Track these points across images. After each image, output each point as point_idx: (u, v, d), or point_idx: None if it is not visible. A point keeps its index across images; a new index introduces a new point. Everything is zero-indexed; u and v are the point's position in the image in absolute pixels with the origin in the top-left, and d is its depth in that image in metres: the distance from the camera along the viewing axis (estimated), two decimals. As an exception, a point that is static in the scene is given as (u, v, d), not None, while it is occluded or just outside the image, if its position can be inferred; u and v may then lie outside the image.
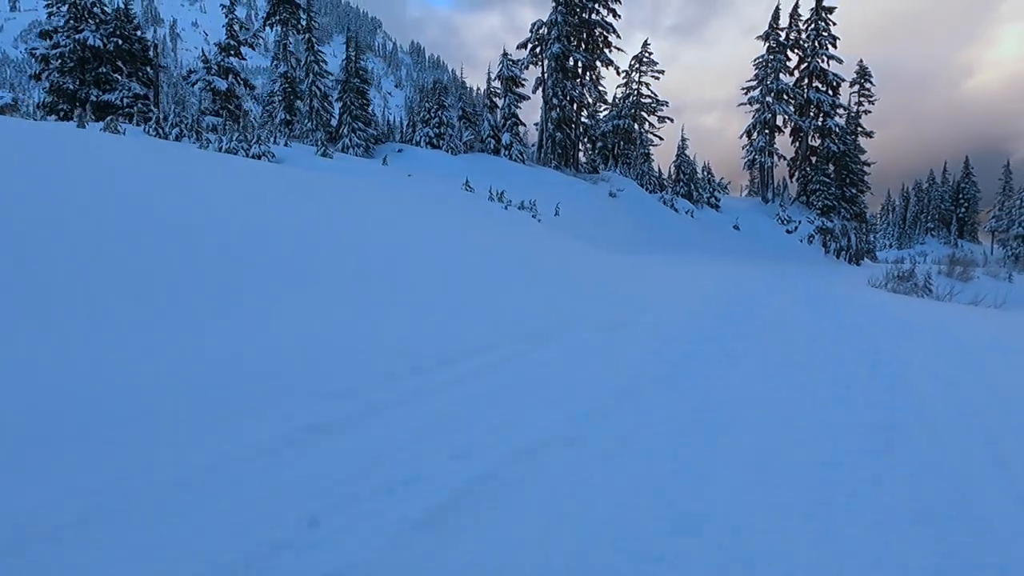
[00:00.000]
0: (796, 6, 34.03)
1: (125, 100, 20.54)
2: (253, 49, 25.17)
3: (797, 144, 35.10)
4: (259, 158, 15.69)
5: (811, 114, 34.35)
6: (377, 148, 24.47)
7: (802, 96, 34.37)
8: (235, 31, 23.25)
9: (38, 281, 3.74)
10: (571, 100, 27.90)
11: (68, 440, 2.49)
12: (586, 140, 29.78)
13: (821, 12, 33.62)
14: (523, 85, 26.65)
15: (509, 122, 25.87)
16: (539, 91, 28.30)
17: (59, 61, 19.91)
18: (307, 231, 6.66)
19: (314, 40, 24.09)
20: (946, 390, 4.74)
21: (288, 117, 24.64)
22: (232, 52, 23.24)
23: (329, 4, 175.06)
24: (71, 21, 20.03)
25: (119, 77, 20.92)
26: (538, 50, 27.68)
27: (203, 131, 18.05)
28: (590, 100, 28.89)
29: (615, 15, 28.45)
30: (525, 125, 27.51)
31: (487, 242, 10.16)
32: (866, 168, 34.89)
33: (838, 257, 31.66)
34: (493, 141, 26.15)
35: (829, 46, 33.60)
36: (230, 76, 23.30)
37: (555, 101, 26.93)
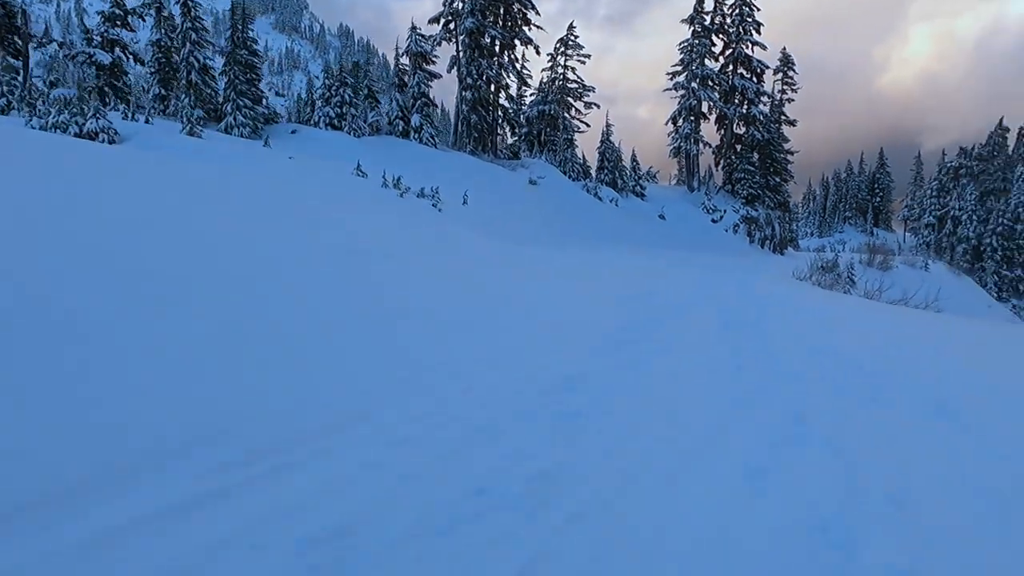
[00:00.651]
0: (721, -10, 33.25)
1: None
2: (143, 20, 22.06)
3: (722, 132, 34.46)
4: (95, 136, 13.03)
5: (736, 101, 33.74)
6: (268, 129, 21.80)
7: (727, 83, 33.69)
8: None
9: None
10: (488, 80, 25.96)
11: None
12: (505, 123, 27.92)
13: (745, -4, 32.97)
14: (434, 62, 24.50)
15: (419, 102, 23.68)
16: (454, 71, 26.21)
17: None
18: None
19: (192, 4, 21.11)
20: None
21: (163, 92, 21.64)
22: (118, 23, 20.14)
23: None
24: None
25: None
26: (451, 25, 25.57)
27: (35, 103, 15.13)
28: (509, 81, 27.06)
29: (534, -10, 26.70)
30: (437, 106, 25.36)
31: (365, 240, 8.16)
32: (789, 157, 34.65)
33: (763, 246, 31.20)
34: (401, 123, 23.93)
35: (753, 32, 32.99)
36: (116, 49, 20.19)
37: (469, 80, 24.93)
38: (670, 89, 33.54)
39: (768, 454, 3.18)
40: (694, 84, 32.85)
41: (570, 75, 35.33)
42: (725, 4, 33.25)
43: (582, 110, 35.25)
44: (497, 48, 26.39)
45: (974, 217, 45.42)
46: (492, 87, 26.44)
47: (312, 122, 23.59)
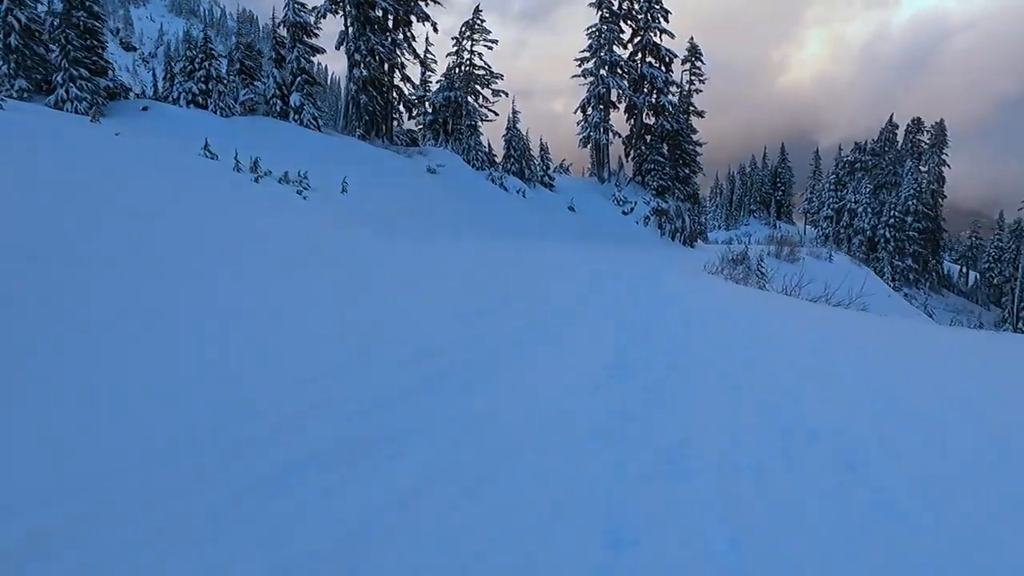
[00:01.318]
0: (629, -27, 32.18)
1: None
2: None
3: (632, 121, 33.53)
4: None
5: (645, 90, 32.87)
6: (114, 105, 18.49)
7: (636, 71, 32.76)
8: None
9: None
10: (380, 58, 23.52)
11: None
12: (401, 106, 25.56)
13: (653, -18, 32.07)
14: (316, 35, 21.79)
15: (299, 79, 20.95)
16: (343, 47, 23.58)
17: None
18: None
19: (11, -46, 17.45)
20: None
21: (-24, 58, 17.89)
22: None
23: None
24: None
25: None
26: (338, -5, 22.93)
27: None
28: (405, 60, 24.70)
29: (430, -42, 24.47)
30: (322, 85, 22.70)
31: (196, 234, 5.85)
32: (698, 148, 34.20)
33: (673, 239, 30.54)
34: (280, 103, 21.14)
35: (661, 19, 32.17)
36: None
37: (358, 57, 22.40)
38: (578, 76, 32.22)
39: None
40: (603, 71, 31.67)
41: (477, 61, 33.41)
42: (633, -11, 32.25)
43: (490, 98, 33.39)
44: (391, 23, 23.98)
45: (869, 210, 47.25)
46: (386, 66, 24.01)
47: (171, 98, 20.36)
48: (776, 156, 75.67)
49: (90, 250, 5.27)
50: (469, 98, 32.72)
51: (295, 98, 20.76)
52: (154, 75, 33.60)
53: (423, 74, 32.75)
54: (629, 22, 32.20)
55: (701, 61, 35.40)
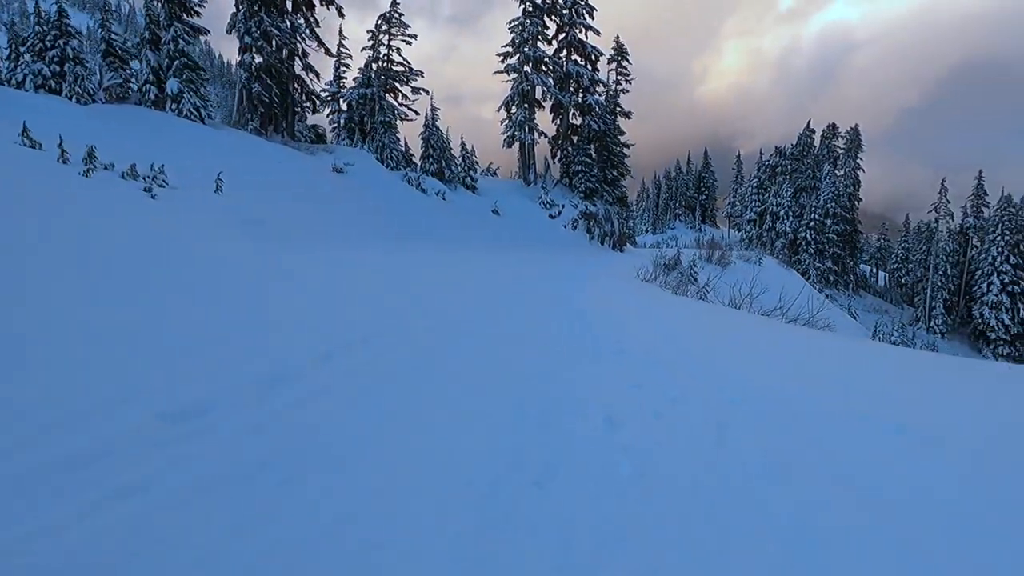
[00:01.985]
0: (552, -34, 30.79)
1: None
2: None
3: (558, 121, 32.14)
4: None
5: (571, 89, 31.54)
6: (-65, 87, 15.20)
7: (561, 69, 31.38)
8: None
9: None
10: (278, 44, 20.94)
11: None
12: (304, 99, 22.99)
13: (577, -24, 30.82)
14: (198, 14, 18.98)
15: (177, 63, 18.11)
16: (235, 31, 20.83)
17: None
18: None
19: None
20: None
21: None
22: None
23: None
24: None
25: None
26: (226, -30, 20.20)
27: None
28: (307, 48, 22.19)
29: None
30: (204, 70, 19.90)
31: None
32: (626, 150, 33.17)
33: (602, 243, 29.27)
34: (154, 89, 18.24)
35: (586, 15, 30.94)
36: None
37: (249, 40, 19.75)
38: (501, 72, 30.51)
39: None
40: (527, 68, 30.12)
41: (395, 56, 31.24)
42: (557, -17, 30.89)
43: (409, 96, 31.26)
44: (289, 5, 21.42)
45: (790, 213, 47.95)
46: (284, 53, 21.41)
47: (14, 81, 17.12)
48: (700, 161, 76.84)
49: None
50: (388, 96, 30.49)
51: (172, 84, 17.92)
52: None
53: (337, 69, 30.34)
54: (554, 17, 30.80)
55: (627, 61, 34.46)
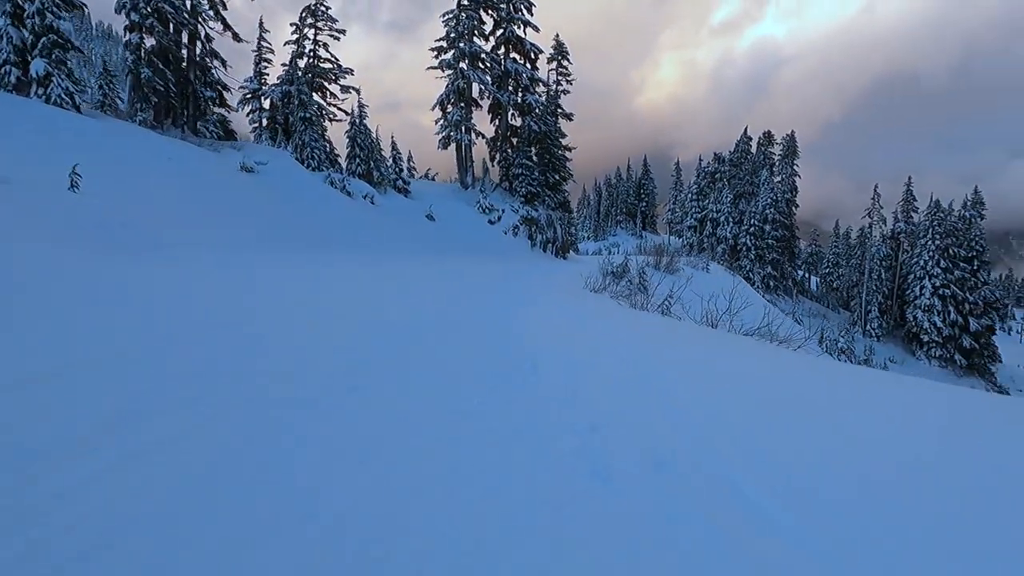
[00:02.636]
0: (488, -40, 29.09)
1: None
2: None
3: (497, 121, 30.40)
4: None
5: (510, 88, 29.88)
6: None
7: (499, 67, 29.70)
8: None
9: None
10: (175, 25, 18.30)
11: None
12: (207, 89, 20.30)
13: (514, -30, 29.23)
14: (72, -16, 16.17)
15: (45, 41, 15.28)
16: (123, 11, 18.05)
17: None
18: None
19: None
20: None
21: None
22: None
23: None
24: None
25: None
26: (110, -62, 17.45)
27: None
28: (211, 31, 19.57)
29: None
30: (84, 53, 17.10)
31: None
32: (568, 154, 31.70)
33: (545, 250, 27.65)
34: (17, 71, 15.36)
35: (525, 10, 29.39)
36: None
37: (136, 18, 17.02)
38: (435, 68, 28.54)
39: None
40: (463, 64, 28.27)
41: (322, 52, 28.90)
42: (494, -24, 29.20)
43: (338, 95, 28.95)
44: (188, -18, 18.80)
45: (730, 218, 47.87)
46: (184, 36, 18.77)
47: None
48: (639, 169, 76.89)
49: None
50: (316, 95, 28.04)
51: (38, 65, 15.10)
52: None
53: (258, 64, 27.70)
54: (490, 12, 29.08)
55: (568, 60, 33.13)
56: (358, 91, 27.34)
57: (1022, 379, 48.76)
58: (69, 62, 15.74)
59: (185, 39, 18.86)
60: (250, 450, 2.55)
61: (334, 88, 29.15)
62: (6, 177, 9.16)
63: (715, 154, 54.20)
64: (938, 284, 40.05)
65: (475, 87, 28.65)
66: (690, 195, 55.54)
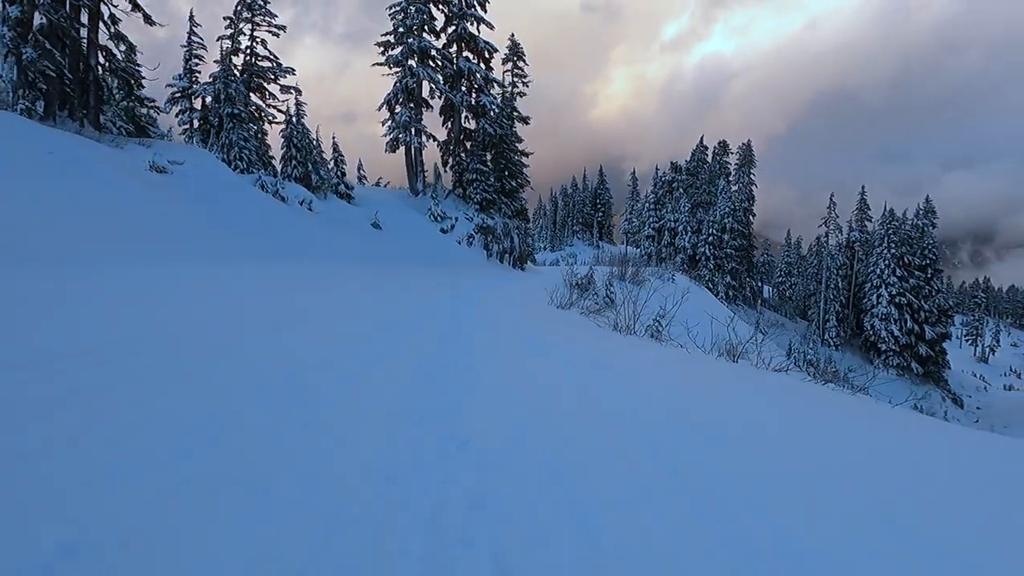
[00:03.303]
0: (438, -48, 27.21)
1: None
2: None
3: (450, 124, 28.47)
4: None
5: (463, 88, 28.01)
6: None
7: (452, 65, 27.83)
8: None
9: None
10: (72, 3, 15.74)
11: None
12: (110, 76, 17.71)
13: (466, -37, 27.46)
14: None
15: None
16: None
17: None
18: None
19: None
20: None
21: None
22: None
23: None
24: None
25: None
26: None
27: None
28: (115, 10, 16.99)
29: None
30: (-48, 27, 14.35)
31: None
32: (525, 159, 30.01)
33: (501, 261, 25.81)
34: None
35: (478, 6, 27.63)
36: None
37: (17, -12, 14.46)
38: (381, 64, 26.45)
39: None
40: (412, 61, 26.27)
41: (260, 50, 26.47)
42: (446, -30, 27.34)
43: (278, 95, 26.54)
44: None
45: (688, 228, 47.09)
46: (84, 16, 16.21)
47: None
48: (595, 179, 76.07)
49: None
50: (254, 95, 25.60)
51: None
52: None
53: (188, 61, 25.12)
54: (442, 6, 27.19)
55: (524, 61, 31.52)
56: (299, 91, 25.06)
57: (971, 386, 49.43)
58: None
59: (86, 20, 16.28)
60: None
61: (274, 88, 26.78)
62: None
63: (672, 163, 53.60)
64: (894, 292, 40.00)
65: (425, 86, 26.71)
66: (647, 204, 54.74)
